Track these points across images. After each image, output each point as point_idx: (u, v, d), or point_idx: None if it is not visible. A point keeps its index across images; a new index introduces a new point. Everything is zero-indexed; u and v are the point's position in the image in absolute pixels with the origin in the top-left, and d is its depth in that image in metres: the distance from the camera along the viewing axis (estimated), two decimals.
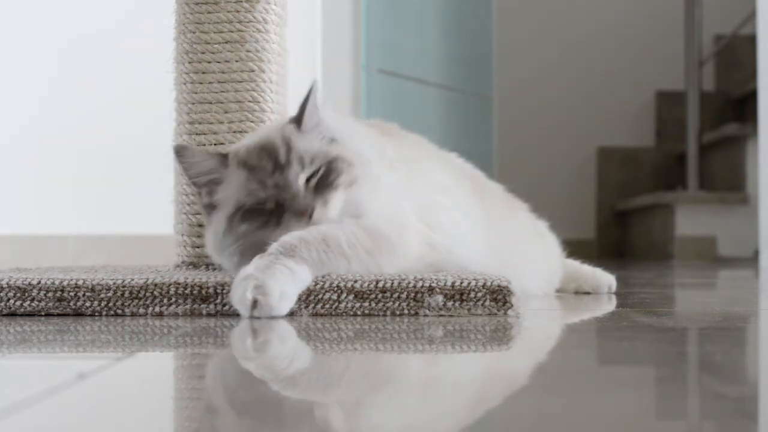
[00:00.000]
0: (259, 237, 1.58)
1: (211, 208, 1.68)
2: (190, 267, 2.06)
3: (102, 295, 1.56)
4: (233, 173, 1.64)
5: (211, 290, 1.55)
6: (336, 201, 1.62)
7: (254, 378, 1.09)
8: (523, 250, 2.02)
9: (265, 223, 1.59)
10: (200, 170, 1.67)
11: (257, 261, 1.49)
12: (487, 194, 2.04)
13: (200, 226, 2.08)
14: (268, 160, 1.62)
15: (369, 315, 1.52)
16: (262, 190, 1.61)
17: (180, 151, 1.68)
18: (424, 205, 1.79)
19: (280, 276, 1.47)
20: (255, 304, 1.45)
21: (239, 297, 1.46)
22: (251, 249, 1.57)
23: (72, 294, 1.57)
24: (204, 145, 2.07)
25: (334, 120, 1.80)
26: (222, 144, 2.06)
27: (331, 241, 1.56)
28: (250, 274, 1.46)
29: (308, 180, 1.61)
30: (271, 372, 1.12)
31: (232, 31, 2.07)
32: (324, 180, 1.62)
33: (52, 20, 3.55)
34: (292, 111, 2.23)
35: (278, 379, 1.08)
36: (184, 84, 2.09)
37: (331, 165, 1.64)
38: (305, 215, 1.57)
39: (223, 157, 1.67)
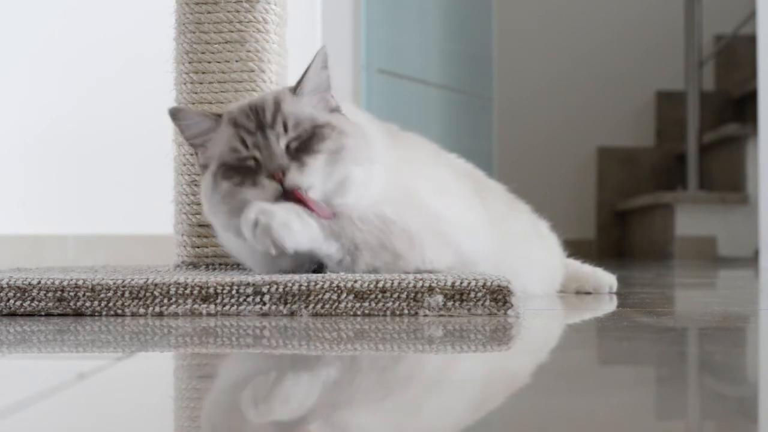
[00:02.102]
0: (239, 196, 1.62)
1: (204, 168, 1.71)
2: (190, 267, 2.06)
3: (102, 295, 1.56)
4: (222, 130, 1.67)
5: (211, 290, 1.55)
6: (314, 166, 1.61)
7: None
8: (525, 250, 2.01)
9: (242, 181, 1.62)
10: (196, 131, 1.71)
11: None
12: (489, 194, 2.04)
13: (200, 226, 2.08)
14: (254, 118, 1.65)
15: (369, 315, 1.52)
16: (243, 148, 1.63)
17: (175, 113, 1.72)
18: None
19: (287, 211, 1.55)
20: (257, 224, 1.53)
21: (244, 219, 1.54)
22: (238, 209, 1.61)
23: (72, 294, 1.57)
24: None
25: (350, 108, 1.81)
26: None
27: (340, 214, 1.62)
28: (257, 204, 1.55)
29: (290, 143, 1.62)
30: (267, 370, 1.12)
31: (232, 31, 2.07)
32: (305, 144, 1.62)
33: (52, 20, 3.55)
34: None
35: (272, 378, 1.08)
36: (184, 84, 2.09)
37: (316, 130, 1.64)
38: (277, 177, 1.59)
39: (218, 117, 1.70)
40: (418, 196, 1.77)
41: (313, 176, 1.61)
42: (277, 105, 1.66)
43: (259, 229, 1.55)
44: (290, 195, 1.59)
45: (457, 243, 1.76)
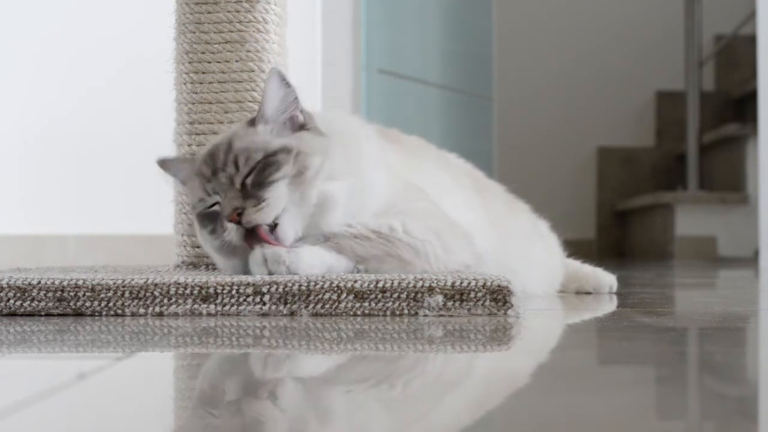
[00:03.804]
0: (215, 242, 1.63)
1: (192, 208, 1.72)
2: (190, 267, 2.06)
3: (102, 295, 1.56)
4: (192, 179, 1.69)
5: (211, 290, 1.55)
6: (272, 198, 1.58)
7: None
8: (525, 250, 2.01)
9: (213, 228, 1.63)
10: (184, 176, 1.74)
11: None
12: (488, 194, 2.04)
13: None
14: (209, 165, 1.65)
15: (369, 315, 1.52)
16: (206, 196, 1.64)
17: (163, 164, 1.77)
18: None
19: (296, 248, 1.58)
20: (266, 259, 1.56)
21: (253, 260, 1.57)
22: (221, 249, 1.63)
23: (72, 294, 1.56)
24: (204, 145, 2.07)
25: (337, 118, 1.80)
26: None
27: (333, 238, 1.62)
28: (258, 249, 1.57)
29: (246, 179, 1.61)
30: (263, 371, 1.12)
31: (232, 31, 2.07)
32: (259, 177, 1.60)
33: (51, 20, 3.55)
34: None
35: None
36: (184, 84, 2.09)
37: (269, 159, 1.61)
38: (233, 219, 1.57)
39: (193, 162, 1.72)
40: (427, 201, 1.77)
41: (272, 209, 1.57)
42: (229, 145, 1.64)
43: (270, 261, 1.55)
44: (255, 233, 1.57)
45: (470, 243, 1.76)
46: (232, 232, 1.58)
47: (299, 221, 1.60)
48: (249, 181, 1.60)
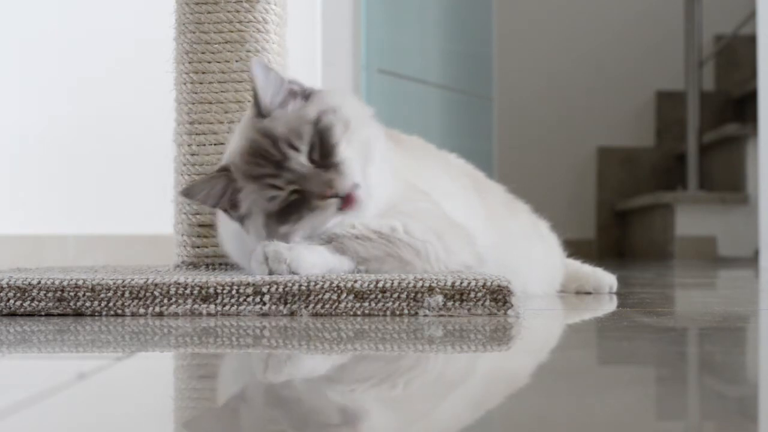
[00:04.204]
0: (302, 229, 1.61)
1: (242, 218, 1.67)
2: (190, 267, 2.06)
3: (102, 295, 1.56)
4: (245, 186, 1.64)
5: (211, 290, 1.55)
6: (347, 160, 1.59)
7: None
8: (525, 250, 2.01)
9: (300, 216, 1.60)
10: (215, 196, 1.67)
11: None
12: (488, 194, 2.04)
13: (200, 226, 2.08)
14: (265, 162, 1.62)
15: (369, 315, 1.52)
16: (278, 192, 1.61)
17: (188, 193, 1.69)
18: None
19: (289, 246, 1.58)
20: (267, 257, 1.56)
21: (254, 259, 1.58)
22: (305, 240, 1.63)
23: (72, 294, 1.56)
24: (204, 145, 2.07)
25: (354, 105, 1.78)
26: (222, 144, 2.06)
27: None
28: (261, 245, 1.58)
29: (310, 155, 1.60)
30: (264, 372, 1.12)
31: (232, 31, 2.07)
32: (322, 147, 1.60)
33: (51, 19, 3.55)
34: None
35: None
36: (184, 84, 2.10)
37: (318, 127, 1.61)
38: (329, 194, 1.57)
39: (227, 172, 1.66)
40: (428, 202, 1.77)
41: (353, 167, 1.60)
42: (268, 136, 1.62)
43: (270, 259, 1.56)
44: (348, 201, 1.59)
45: (471, 244, 1.76)
46: (326, 208, 1.58)
47: (360, 168, 1.62)
48: (315, 155, 1.60)
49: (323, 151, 1.60)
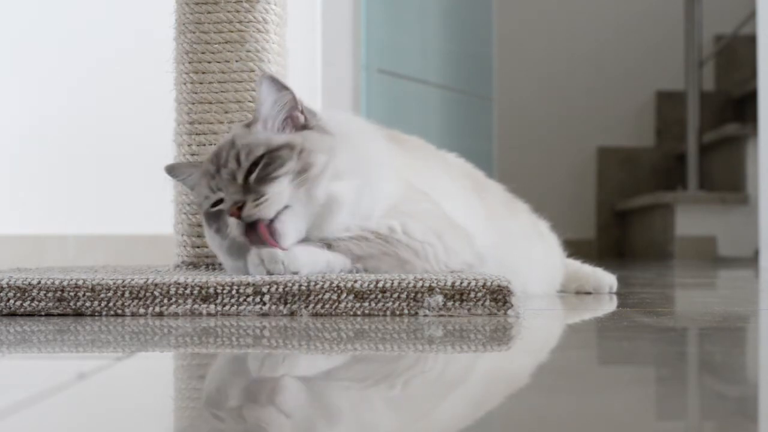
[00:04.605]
0: (221, 240, 1.65)
1: (199, 207, 1.74)
2: (190, 267, 2.06)
3: (102, 295, 1.56)
4: (199, 180, 1.71)
5: (211, 290, 1.55)
6: (273, 193, 1.57)
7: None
8: (525, 250, 2.01)
9: (218, 227, 1.64)
10: (193, 181, 1.75)
11: None
12: (488, 194, 2.04)
13: (200, 226, 2.08)
14: (214, 163, 1.66)
15: (369, 315, 1.52)
16: (210, 193, 1.65)
17: (171, 171, 1.79)
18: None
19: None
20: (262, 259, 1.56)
21: (251, 262, 1.58)
22: (229, 249, 1.65)
23: (72, 294, 1.56)
24: (204, 145, 2.07)
25: (342, 118, 1.80)
26: None
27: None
28: (255, 250, 1.58)
29: (248, 175, 1.60)
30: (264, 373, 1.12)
31: (232, 31, 2.07)
32: (263, 171, 1.59)
33: (51, 18, 3.55)
34: None
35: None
36: (184, 84, 2.10)
37: (272, 154, 1.61)
38: (233, 213, 1.58)
39: (200, 166, 1.73)
40: (428, 202, 1.77)
41: (272, 204, 1.56)
42: (232, 143, 1.65)
43: (266, 261, 1.56)
44: (255, 229, 1.57)
45: (472, 244, 1.76)
46: (233, 227, 1.58)
47: (303, 220, 1.60)
48: (252, 177, 1.60)
49: (258, 177, 1.59)
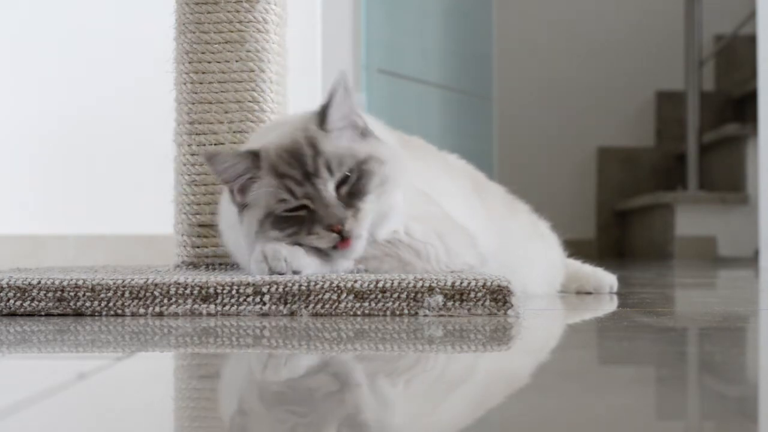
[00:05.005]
0: (293, 243, 1.61)
1: (243, 206, 1.67)
2: (190, 267, 2.06)
3: (102, 295, 1.56)
4: (264, 176, 1.63)
5: (211, 290, 1.55)
6: (367, 210, 1.60)
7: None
8: (525, 250, 2.02)
9: (296, 231, 1.60)
10: (233, 173, 1.65)
11: None
12: (489, 195, 2.04)
13: (200, 226, 2.08)
14: (297, 167, 1.61)
15: (369, 315, 1.53)
16: (291, 198, 1.60)
17: (211, 158, 1.66)
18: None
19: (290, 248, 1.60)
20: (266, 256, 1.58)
21: (254, 259, 1.59)
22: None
23: (72, 294, 1.56)
24: (204, 145, 2.08)
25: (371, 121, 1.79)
26: (222, 144, 2.07)
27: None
28: (259, 246, 1.60)
29: (339, 186, 1.60)
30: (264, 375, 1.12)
31: (232, 31, 2.07)
32: (355, 187, 1.60)
33: (51, 18, 3.55)
34: (292, 111, 2.23)
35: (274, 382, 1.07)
36: (184, 84, 2.10)
37: (363, 168, 1.62)
38: (336, 229, 1.57)
39: (255, 157, 1.65)
40: (431, 204, 1.78)
41: (368, 220, 1.60)
42: (314, 148, 1.62)
43: (269, 258, 1.57)
44: (344, 243, 1.59)
45: (475, 245, 1.77)
46: (325, 239, 1.58)
47: (368, 230, 1.62)
48: (344, 190, 1.60)
49: (353, 191, 1.60)
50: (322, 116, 1.65)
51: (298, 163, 1.61)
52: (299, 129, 1.66)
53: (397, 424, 0.85)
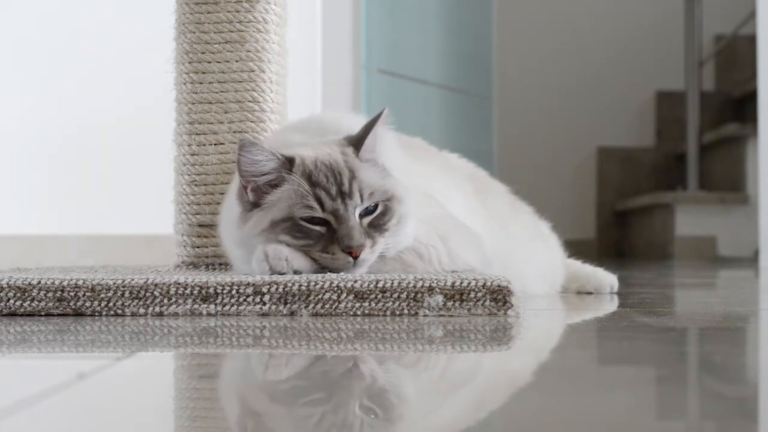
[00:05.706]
0: (302, 251, 1.63)
1: (252, 205, 1.66)
2: (190, 267, 2.06)
3: (102, 295, 1.56)
4: (295, 181, 1.63)
5: (211, 290, 1.55)
6: (381, 244, 1.64)
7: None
8: (526, 250, 2.02)
9: (309, 245, 1.61)
10: (261, 169, 1.64)
11: None
12: (490, 195, 2.04)
13: (200, 226, 2.08)
14: (333, 182, 1.63)
15: (369, 315, 1.53)
16: (319, 209, 1.61)
17: (247, 146, 1.63)
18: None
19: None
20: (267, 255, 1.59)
21: (256, 258, 1.60)
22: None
23: (72, 294, 1.56)
24: (204, 145, 2.08)
25: (390, 144, 1.80)
26: (222, 144, 2.07)
27: None
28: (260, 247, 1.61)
29: (363, 214, 1.63)
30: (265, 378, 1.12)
31: (232, 31, 2.07)
32: (378, 220, 1.64)
33: (52, 18, 3.54)
34: (292, 111, 2.24)
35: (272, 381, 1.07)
36: (184, 84, 2.10)
37: (387, 204, 1.66)
38: (355, 253, 1.60)
39: (289, 162, 1.64)
40: (435, 206, 1.78)
41: (378, 252, 1.64)
42: (352, 172, 1.64)
43: (271, 257, 1.58)
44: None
45: (479, 246, 1.77)
46: (340, 259, 1.60)
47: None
48: (367, 220, 1.63)
49: (374, 223, 1.64)
50: (358, 142, 1.68)
51: (335, 179, 1.63)
52: (337, 148, 1.68)
53: (398, 423, 0.85)
